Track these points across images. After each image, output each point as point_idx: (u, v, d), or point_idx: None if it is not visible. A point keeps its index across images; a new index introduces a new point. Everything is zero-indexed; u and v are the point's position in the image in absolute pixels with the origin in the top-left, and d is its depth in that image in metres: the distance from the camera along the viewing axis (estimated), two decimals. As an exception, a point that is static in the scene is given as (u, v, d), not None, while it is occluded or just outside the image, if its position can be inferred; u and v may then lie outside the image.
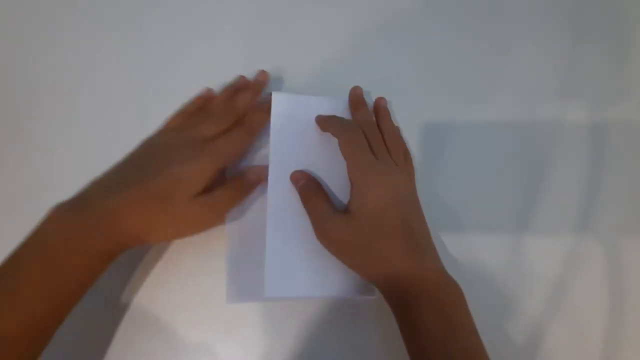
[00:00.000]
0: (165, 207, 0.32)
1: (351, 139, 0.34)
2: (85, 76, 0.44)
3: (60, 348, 0.32)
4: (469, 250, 0.37)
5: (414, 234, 0.32)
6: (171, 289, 0.37)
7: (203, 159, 0.33)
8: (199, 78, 0.42)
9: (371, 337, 0.35)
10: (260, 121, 0.37)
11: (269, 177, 0.36)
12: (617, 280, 0.36)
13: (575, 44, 0.43)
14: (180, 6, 0.45)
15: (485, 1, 0.44)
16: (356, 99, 0.39)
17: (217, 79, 0.42)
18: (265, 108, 0.37)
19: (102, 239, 0.30)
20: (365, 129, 0.35)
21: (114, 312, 0.36)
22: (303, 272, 0.34)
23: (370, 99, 0.41)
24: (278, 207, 0.35)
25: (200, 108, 0.39)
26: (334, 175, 0.36)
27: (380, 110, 0.39)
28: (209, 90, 0.40)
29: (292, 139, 0.37)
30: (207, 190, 0.33)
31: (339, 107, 0.39)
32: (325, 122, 0.36)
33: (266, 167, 0.36)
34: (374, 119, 0.38)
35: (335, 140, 0.35)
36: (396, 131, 0.38)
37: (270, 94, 0.38)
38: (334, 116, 0.36)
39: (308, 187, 0.35)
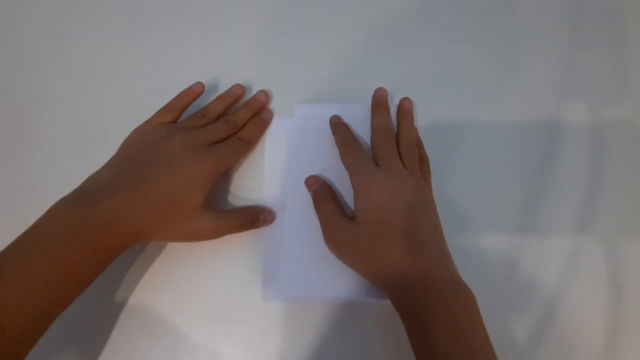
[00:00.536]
0: (171, 214, 0.32)
1: (348, 150, 0.36)
2: (85, 77, 0.44)
3: (60, 348, 0.32)
4: (468, 249, 0.37)
5: (419, 238, 0.31)
6: (171, 289, 0.37)
7: (206, 165, 0.34)
8: (199, 80, 0.42)
9: (374, 340, 0.35)
10: (257, 135, 0.40)
11: (286, 182, 0.38)
12: (617, 280, 0.36)
13: (575, 44, 0.43)
14: (183, 13, 0.45)
15: (486, 2, 0.44)
16: (377, 100, 0.39)
17: (217, 83, 0.42)
18: (262, 121, 0.40)
19: (107, 236, 0.30)
20: (378, 133, 0.36)
21: (114, 311, 0.36)
22: (317, 273, 0.35)
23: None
24: (294, 210, 0.37)
25: (198, 110, 0.39)
26: (348, 182, 0.36)
27: (401, 111, 0.39)
28: (201, 84, 0.39)
29: (309, 146, 0.39)
30: (210, 203, 0.35)
31: (362, 113, 0.39)
32: (333, 132, 0.38)
33: (274, 212, 0.38)
34: (390, 122, 0.38)
35: None
36: (411, 135, 0.38)
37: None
38: (338, 126, 0.38)
39: (320, 192, 0.36)
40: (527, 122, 0.40)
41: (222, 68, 0.43)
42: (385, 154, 0.35)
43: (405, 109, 0.39)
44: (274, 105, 0.42)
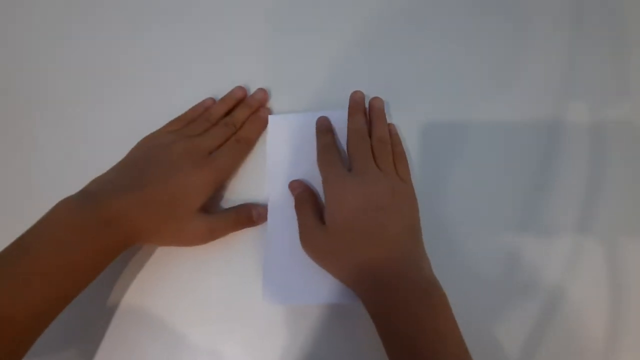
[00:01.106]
0: (170, 215, 0.33)
1: (324, 156, 0.37)
2: (85, 77, 0.44)
3: (60, 347, 0.32)
4: (468, 249, 0.37)
5: (388, 240, 0.32)
6: (171, 288, 0.37)
7: (206, 174, 0.35)
8: (199, 81, 0.42)
9: (374, 340, 0.35)
10: (255, 134, 0.40)
11: (268, 185, 0.39)
12: (617, 280, 0.36)
13: (575, 44, 0.43)
14: (183, 13, 0.46)
15: (485, 2, 0.44)
16: (352, 104, 0.39)
17: (217, 83, 0.42)
18: (260, 119, 0.40)
19: (111, 234, 0.31)
20: (352, 138, 0.37)
21: (114, 311, 0.36)
22: (299, 279, 0.36)
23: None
24: (276, 216, 0.38)
25: (201, 115, 0.40)
26: None
27: (373, 112, 0.40)
28: (212, 100, 0.41)
29: (289, 150, 0.40)
30: (206, 207, 0.35)
31: (344, 119, 0.39)
32: (316, 137, 0.39)
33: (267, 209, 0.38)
34: (365, 125, 0.38)
35: None
36: (384, 135, 0.38)
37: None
38: (321, 131, 0.39)
39: (302, 196, 0.37)
40: (527, 122, 0.40)
41: (222, 68, 0.43)
42: (359, 158, 0.36)
43: (376, 109, 0.39)
44: (274, 105, 0.42)
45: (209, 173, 0.35)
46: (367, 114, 0.40)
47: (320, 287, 0.35)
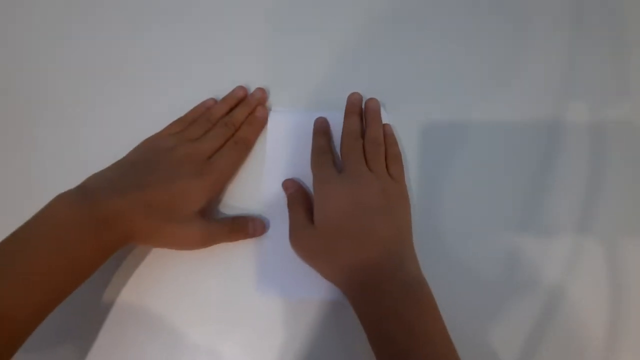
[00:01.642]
0: (168, 217, 0.33)
1: (316, 157, 0.38)
2: (85, 77, 0.44)
3: (58, 346, 0.32)
4: (468, 249, 0.37)
5: (374, 240, 0.33)
6: (170, 288, 0.37)
7: (206, 178, 0.35)
8: (199, 81, 0.42)
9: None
10: (254, 135, 0.40)
11: (265, 180, 0.39)
12: (617, 280, 0.36)
13: (575, 44, 0.43)
14: (183, 13, 0.46)
15: (485, 1, 0.44)
16: (348, 106, 0.40)
17: (218, 84, 0.42)
18: (257, 120, 0.40)
19: (109, 233, 0.31)
20: (345, 139, 0.38)
21: (113, 310, 0.36)
22: (292, 274, 0.36)
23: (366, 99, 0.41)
24: (272, 211, 0.38)
25: (202, 115, 0.40)
26: None
27: (368, 113, 0.40)
28: (213, 100, 0.41)
29: (288, 147, 0.40)
30: (204, 212, 0.36)
31: (340, 120, 0.39)
32: (312, 138, 0.39)
33: (265, 223, 0.38)
34: (360, 127, 0.39)
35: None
36: (377, 136, 0.38)
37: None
38: (317, 133, 0.39)
39: (294, 196, 0.37)
40: (527, 122, 0.40)
41: (222, 68, 0.43)
42: (350, 160, 0.36)
43: (371, 110, 0.40)
44: (273, 105, 0.42)
45: (208, 178, 0.35)
46: (363, 116, 0.40)
47: (314, 282, 0.35)
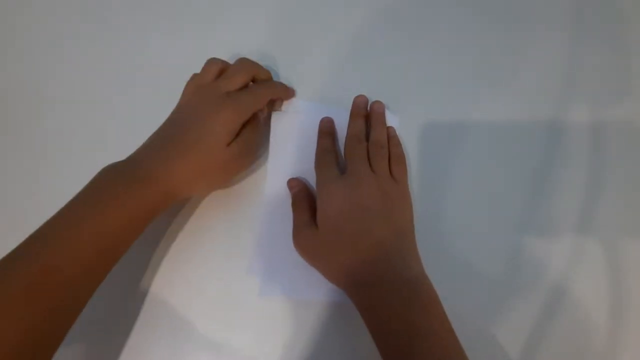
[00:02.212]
0: (204, 155, 0.34)
1: (320, 158, 0.38)
2: (86, 77, 0.44)
3: (61, 347, 0.31)
4: (468, 249, 0.37)
5: (374, 240, 0.33)
6: (173, 288, 0.37)
7: (227, 110, 0.35)
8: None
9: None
10: (275, 84, 0.41)
11: (268, 180, 0.39)
12: (617, 280, 0.36)
13: (575, 44, 0.43)
14: (184, 13, 0.45)
15: (485, 2, 0.44)
16: (354, 108, 0.40)
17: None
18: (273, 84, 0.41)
19: (147, 191, 0.32)
20: (349, 141, 0.38)
21: (117, 312, 0.36)
22: (292, 274, 0.37)
23: (372, 101, 0.41)
24: (272, 210, 0.38)
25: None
26: None
27: (373, 115, 0.40)
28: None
29: (291, 147, 0.40)
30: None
31: (343, 117, 0.40)
32: (317, 138, 0.39)
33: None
34: (364, 129, 0.39)
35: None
36: (381, 138, 0.38)
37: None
38: (322, 134, 0.39)
39: (298, 195, 0.37)
40: (527, 122, 0.40)
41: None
42: (353, 161, 0.36)
43: (375, 112, 0.40)
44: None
45: (229, 110, 0.35)
46: (367, 118, 0.40)
47: (317, 283, 0.35)
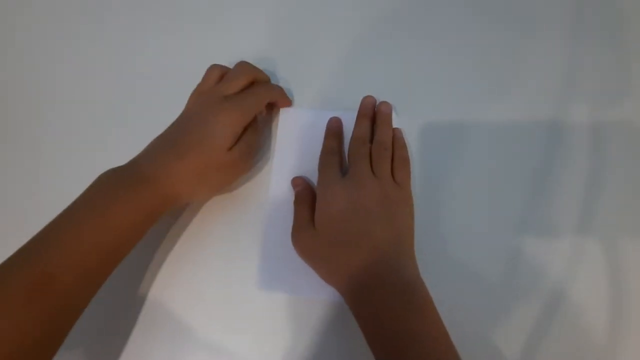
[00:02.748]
0: (204, 157, 0.34)
1: (323, 159, 0.38)
2: (86, 77, 0.44)
3: (62, 349, 0.31)
4: (468, 249, 0.37)
5: (372, 243, 0.33)
6: (176, 289, 0.37)
7: (227, 112, 0.35)
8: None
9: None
10: (272, 86, 0.40)
11: (272, 176, 0.39)
12: (617, 280, 0.36)
13: (576, 45, 0.43)
14: (184, 13, 0.45)
15: (485, 2, 0.44)
16: (361, 110, 0.40)
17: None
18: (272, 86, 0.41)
19: (147, 194, 0.32)
20: (353, 142, 0.38)
21: (118, 313, 0.36)
22: (293, 271, 0.37)
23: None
24: (276, 209, 0.38)
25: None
26: None
27: (379, 116, 0.40)
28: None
29: (298, 145, 0.40)
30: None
31: (348, 119, 0.40)
32: (324, 138, 0.39)
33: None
34: (369, 130, 0.39)
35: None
36: (385, 139, 0.38)
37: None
38: (329, 135, 0.39)
39: (301, 194, 0.37)
40: (527, 123, 0.40)
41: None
42: (355, 163, 0.36)
43: (382, 113, 0.40)
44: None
45: (231, 112, 0.35)
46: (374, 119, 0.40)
47: (317, 282, 0.35)
